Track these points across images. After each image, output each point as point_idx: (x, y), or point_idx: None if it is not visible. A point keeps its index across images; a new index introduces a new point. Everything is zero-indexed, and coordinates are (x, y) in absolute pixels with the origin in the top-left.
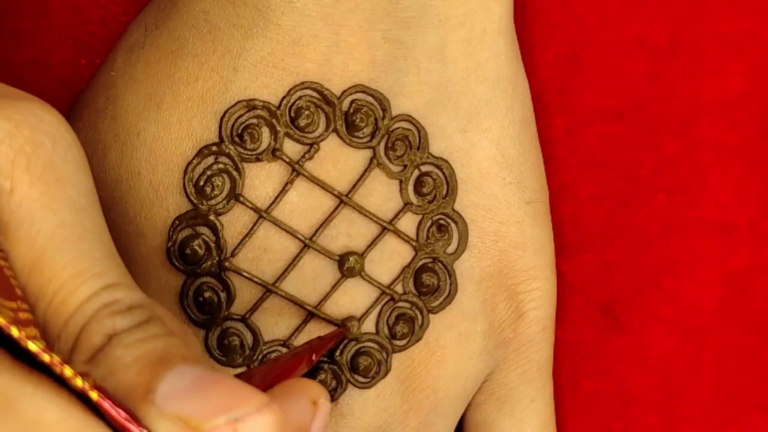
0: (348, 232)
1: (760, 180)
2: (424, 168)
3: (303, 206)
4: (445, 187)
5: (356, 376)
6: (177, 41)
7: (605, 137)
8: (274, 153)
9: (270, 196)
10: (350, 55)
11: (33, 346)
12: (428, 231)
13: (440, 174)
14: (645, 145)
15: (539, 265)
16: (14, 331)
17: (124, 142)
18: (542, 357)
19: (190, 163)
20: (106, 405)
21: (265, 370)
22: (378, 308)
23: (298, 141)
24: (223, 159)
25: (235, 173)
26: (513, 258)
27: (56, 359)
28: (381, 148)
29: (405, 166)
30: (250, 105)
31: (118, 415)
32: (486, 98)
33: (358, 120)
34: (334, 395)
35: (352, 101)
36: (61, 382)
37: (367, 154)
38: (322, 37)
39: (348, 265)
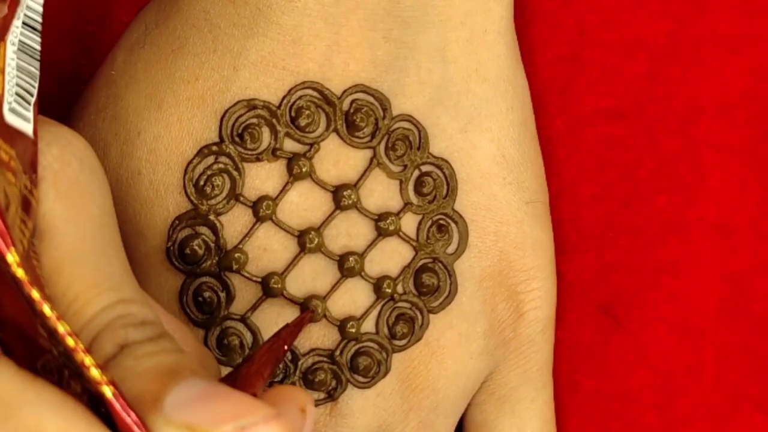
0: (348, 232)
1: (760, 180)
2: (425, 168)
3: (303, 206)
4: (445, 187)
5: (356, 376)
6: (177, 40)
7: (605, 137)
8: (275, 153)
9: (270, 196)
10: (351, 55)
11: (62, 327)
12: (428, 231)
13: (440, 174)
14: (645, 145)
15: (539, 265)
16: (46, 308)
17: (125, 142)
18: (542, 357)
19: (190, 162)
20: (118, 406)
21: (247, 369)
22: (378, 308)
23: (298, 141)
24: (223, 159)
25: (235, 173)
26: (513, 258)
27: (80, 345)
28: (381, 148)
29: (405, 166)
30: (251, 104)
31: (128, 417)
32: (486, 98)
33: (358, 120)
34: (333, 395)
35: (353, 101)
36: (67, 389)
37: (367, 154)
38: (322, 37)
39: (348, 265)
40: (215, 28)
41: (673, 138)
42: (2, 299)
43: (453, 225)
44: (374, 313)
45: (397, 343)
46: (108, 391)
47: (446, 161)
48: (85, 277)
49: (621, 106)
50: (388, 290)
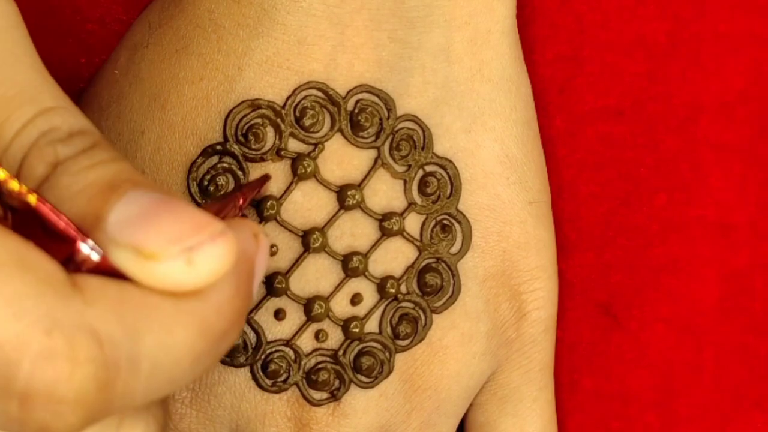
0: (352, 232)
1: (760, 179)
2: (429, 168)
3: (307, 206)
4: (449, 187)
5: (359, 376)
6: (181, 40)
7: (605, 136)
8: (279, 153)
9: (274, 196)
10: (355, 55)
11: None
12: (432, 231)
13: (444, 174)
14: (644, 144)
15: (542, 265)
16: None
17: (128, 141)
18: (544, 357)
19: (194, 162)
20: (46, 209)
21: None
22: (381, 308)
23: (302, 141)
24: (227, 158)
25: (239, 173)
26: (516, 258)
27: None
28: (386, 148)
29: (409, 166)
30: (255, 104)
31: (59, 220)
32: (490, 98)
33: (362, 120)
34: (336, 395)
35: (357, 101)
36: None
37: (371, 154)
38: (327, 37)
39: (352, 265)
40: (220, 28)
41: (673, 137)
42: None
43: (456, 225)
44: (378, 313)
45: (400, 343)
46: (32, 199)
47: (450, 161)
48: None
49: (620, 104)
50: (392, 290)
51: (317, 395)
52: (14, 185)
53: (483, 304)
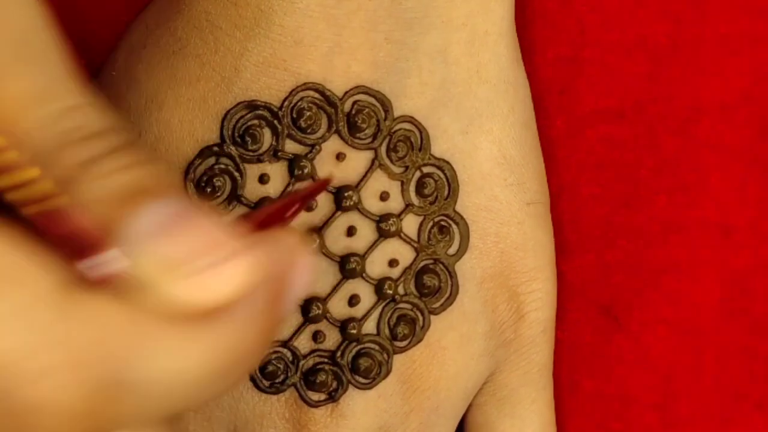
0: (349, 234)
1: (761, 180)
2: (426, 169)
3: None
4: (446, 188)
5: (357, 377)
6: (178, 42)
7: (605, 137)
8: (276, 154)
9: (271, 197)
10: (352, 56)
11: None
12: (429, 232)
13: (442, 175)
14: (645, 145)
15: (540, 266)
16: None
17: None
18: (543, 358)
19: (191, 163)
20: (68, 213)
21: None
22: (379, 309)
23: (299, 142)
24: (224, 160)
25: (236, 174)
26: (514, 259)
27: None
28: (383, 149)
29: (407, 168)
30: (252, 106)
31: (78, 225)
32: (488, 99)
33: (360, 121)
34: (334, 396)
35: (354, 102)
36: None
37: (368, 155)
38: (324, 38)
39: (349, 266)
40: (216, 29)
41: (674, 138)
42: None
43: (454, 226)
44: (375, 314)
45: (398, 344)
46: (62, 201)
47: (447, 162)
48: (14, 89)
49: (621, 106)
50: (390, 291)
51: (315, 396)
52: (46, 185)
53: (481, 305)
